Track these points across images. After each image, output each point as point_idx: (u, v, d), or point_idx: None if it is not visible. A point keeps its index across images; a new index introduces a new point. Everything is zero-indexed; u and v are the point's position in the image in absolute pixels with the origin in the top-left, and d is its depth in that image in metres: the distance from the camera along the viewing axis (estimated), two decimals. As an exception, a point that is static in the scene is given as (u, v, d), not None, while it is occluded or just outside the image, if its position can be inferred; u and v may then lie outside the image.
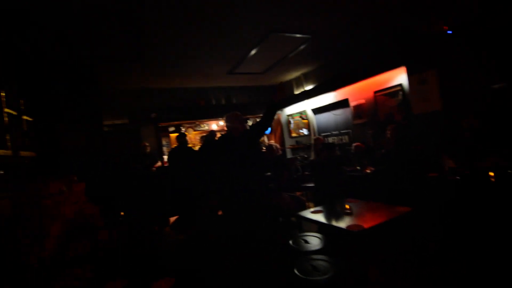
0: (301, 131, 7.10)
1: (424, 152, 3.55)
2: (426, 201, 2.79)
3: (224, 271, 2.79)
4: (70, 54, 3.91)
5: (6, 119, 2.87)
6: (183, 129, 7.39)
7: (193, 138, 7.48)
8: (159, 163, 6.08)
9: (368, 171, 3.84)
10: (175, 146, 4.85)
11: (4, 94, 2.90)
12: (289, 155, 7.18)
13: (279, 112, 7.46)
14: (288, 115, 7.30)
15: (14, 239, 1.31)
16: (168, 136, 7.31)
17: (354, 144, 4.62)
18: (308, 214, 2.39)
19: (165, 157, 6.65)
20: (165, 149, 6.91)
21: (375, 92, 4.95)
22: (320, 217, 2.23)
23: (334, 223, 2.03)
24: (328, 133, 6.07)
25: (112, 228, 1.59)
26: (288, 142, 7.37)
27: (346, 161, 4.20)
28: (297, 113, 7.01)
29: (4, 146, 2.76)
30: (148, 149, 5.86)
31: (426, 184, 3.03)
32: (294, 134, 7.23)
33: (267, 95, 7.39)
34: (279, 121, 7.56)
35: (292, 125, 7.25)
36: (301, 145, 6.84)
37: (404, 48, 4.19)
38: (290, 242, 2.32)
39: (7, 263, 1.14)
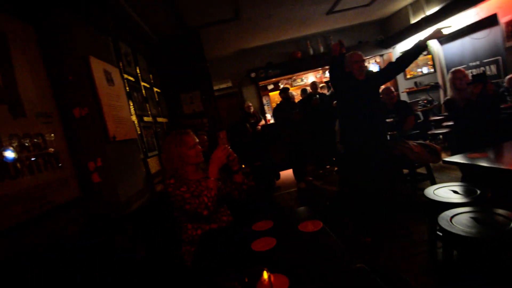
0: (419, 70, 5.89)
1: None
2: None
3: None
4: (182, 28, 4.21)
5: (143, 91, 3.40)
6: (281, 86, 7.32)
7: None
8: (262, 122, 6.28)
9: (538, 106, 2.82)
10: (280, 101, 4.82)
11: (139, 71, 3.42)
12: (405, 100, 6.16)
13: (390, 50, 6.34)
14: (402, 53, 6.11)
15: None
16: (268, 95, 7.42)
17: (509, 76, 3.44)
18: (463, 159, 1.92)
19: (268, 115, 6.84)
20: (266, 107, 7.08)
21: (547, -6, 3.45)
22: (485, 162, 1.75)
23: (512, 167, 1.55)
24: (464, 66, 4.77)
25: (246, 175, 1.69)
26: (404, 85, 6.26)
27: (501, 97, 3.20)
28: (414, 48, 5.77)
29: (146, 114, 3.31)
30: (252, 109, 6.09)
31: None
32: (410, 75, 6.07)
33: (373, 32, 6.34)
34: (390, 61, 6.46)
35: (407, 65, 6.08)
36: (421, 86, 5.71)
37: None
38: (433, 192, 1.96)
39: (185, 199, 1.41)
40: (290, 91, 4.79)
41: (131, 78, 3.03)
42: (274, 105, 6.63)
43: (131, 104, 2.79)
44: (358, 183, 2.64)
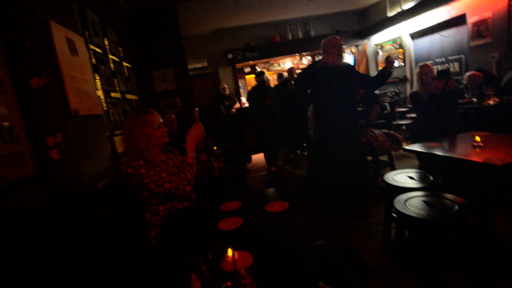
0: (391, 62, 6.10)
1: None
2: None
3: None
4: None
5: (112, 65, 3.19)
6: (258, 69, 7.26)
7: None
8: (237, 105, 6.23)
9: (491, 102, 3.07)
10: (255, 85, 4.79)
11: (107, 42, 3.18)
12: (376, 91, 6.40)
13: (365, 41, 6.49)
14: (376, 45, 6.28)
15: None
16: (244, 78, 7.33)
17: (468, 74, 3.69)
18: (421, 147, 2.06)
19: (243, 99, 6.78)
20: (241, 90, 7.01)
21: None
22: (439, 151, 1.90)
23: (462, 156, 1.70)
24: (431, 62, 5.03)
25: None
26: (375, 77, 6.49)
27: (460, 92, 3.45)
28: (388, 41, 5.94)
29: (114, 89, 3.13)
30: (227, 91, 6.00)
31: None
32: (382, 67, 6.28)
33: (351, 22, 6.43)
34: (364, 53, 6.62)
35: (380, 57, 6.27)
36: (391, 79, 5.93)
37: None
38: (391, 178, 2.10)
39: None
40: (265, 75, 4.77)
41: (98, 50, 2.82)
42: (250, 88, 6.59)
43: (97, 78, 2.61)
44: (326, 168, 2.75)
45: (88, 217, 1.68)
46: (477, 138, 1.81)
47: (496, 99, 3.10)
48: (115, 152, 2.65)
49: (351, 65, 2.69)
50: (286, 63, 7.36)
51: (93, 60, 2.59)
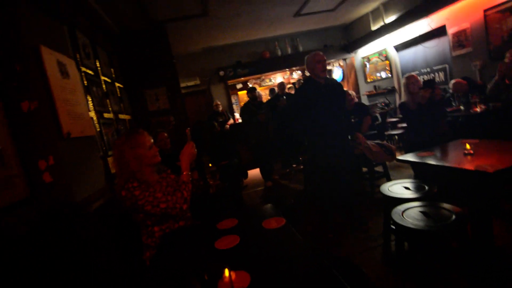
0: (378, 74, 6.27)
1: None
2: None
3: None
4: (147, 20, 4.03)
5: (104, 86, 3.21)
6: (250, 85, 7.36)
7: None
8: (231, 121, 6.26)
9: (477, 109, 3.15)
10: (247, 101, 4.84)
11: (98, 64, 3.21)
12: (365, 102, 6.53)
13: (352, 55, 6.68)
14: (363, 58, 6.47)
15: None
16: (237, 94, 7.41)
17: (453, 81, 3.81)
18: (414, 157, 2.09)
19: (236, 115, 6.83)
20: (234, 106, 7.07)
21: (486, 10, 3.88)
22: (432, 160, 1.92)
23: (454, 165, 1.72)
24: (417, 72, 5.19)
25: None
26: (364, 89, 6.64)
27: (447, 101, 3.54)
28: (374, 53, 6.13)
29: (107, 110, 3.13)
30: (220, 108, 6.04)
31: None
32: (370, 79, 6.45)
33: (338, 37, 6.64)
34: (352, 66, 6.80)
35: (368, 69, 6.44)
36: (380, 90, 6.09)
37: None
38: (387, 189, 2.11)
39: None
40: (257, 91, 4.84)
41: (90, 72, 2.83)
42: (242, 104, 6.66)
43: (90, 99, 2.61)
44: (322, 181, 2.75)
45: (81, 238, 1.63)
46: (468, 146, 1.85)
47: (483, 106, 3.19)
48: (109, 173, 2.61)
49: (340, 83, 2.75)
50: (277, 78, 7.49)
51: (85, 82, 2.60)
